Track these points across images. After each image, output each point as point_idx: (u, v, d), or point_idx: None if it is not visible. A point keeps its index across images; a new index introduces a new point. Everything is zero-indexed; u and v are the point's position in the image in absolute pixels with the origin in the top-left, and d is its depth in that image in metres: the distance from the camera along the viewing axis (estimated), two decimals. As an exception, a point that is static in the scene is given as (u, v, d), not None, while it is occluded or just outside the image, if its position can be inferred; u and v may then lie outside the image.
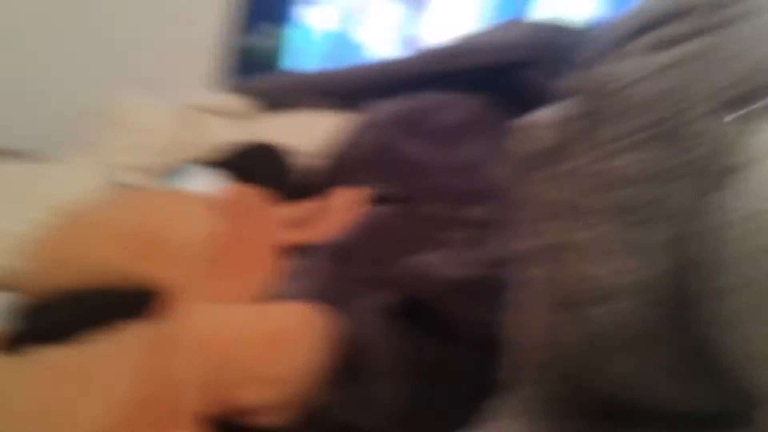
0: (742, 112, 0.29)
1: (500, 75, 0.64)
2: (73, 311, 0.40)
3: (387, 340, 0.42)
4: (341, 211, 0.53)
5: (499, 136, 0.61)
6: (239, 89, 0.75)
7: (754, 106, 0.30)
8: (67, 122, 0.90)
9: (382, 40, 1.35)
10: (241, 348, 0.39)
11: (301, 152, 0.65)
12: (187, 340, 0.39)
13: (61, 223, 0.46)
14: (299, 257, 0.52)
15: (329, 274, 0.49)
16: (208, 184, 0.54)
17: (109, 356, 0.38)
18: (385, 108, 0.63)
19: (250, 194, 0.54)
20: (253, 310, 0.42)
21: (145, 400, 0.36)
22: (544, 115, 0.38)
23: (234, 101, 0.71)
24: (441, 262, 0.49)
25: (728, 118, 0.30)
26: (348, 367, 0.42)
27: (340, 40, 1.36)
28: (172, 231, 0.45)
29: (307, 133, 0.66)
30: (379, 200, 0.56)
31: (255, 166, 0.59)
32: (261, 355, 0.38)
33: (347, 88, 0.74)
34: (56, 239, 0.45)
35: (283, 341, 0.39)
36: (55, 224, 0.46)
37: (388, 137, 0.59)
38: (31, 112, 1.03)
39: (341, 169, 0.60)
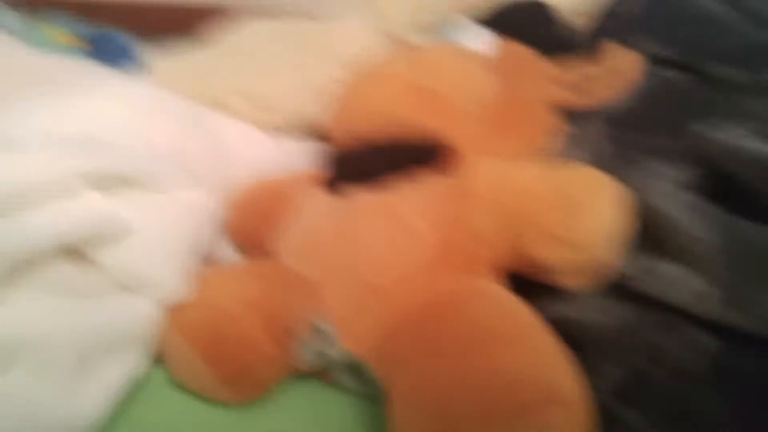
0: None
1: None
2: (375, 158, 0.42)
3: (693, 219, 0.38)
4: (620, 72, 0.49)
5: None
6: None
7: None
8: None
9: None
10: (534, 203, 0.38)
11: (566, 8, 0.60)
12: (482, 192, 0.39)
13: (356, 79, 0.48)
14: (575, 122, 0.50)
15: (611, 140, 0.46)
16: (481, 40, 0.53)
17: (415, 201, 0.39)
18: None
19: (523, 52, 0.52)
20: (538, 167, 0.41)
21: (449, 245, 0.38)
22: None
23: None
24: (750, 135, 0.43)
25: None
26: (647, 240, 0.39)
27: None
28: (459, 91, 0.45)
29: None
30: (661, 62, 0.50)
31: (524, 24, 0.57)
32: (555, 213, 0.37)
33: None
34: (353, 93, 0.47)
35: (577, 203, 0.37)
36: (350, 79, 0.48)
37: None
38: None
39: (615, 25, 0.54)
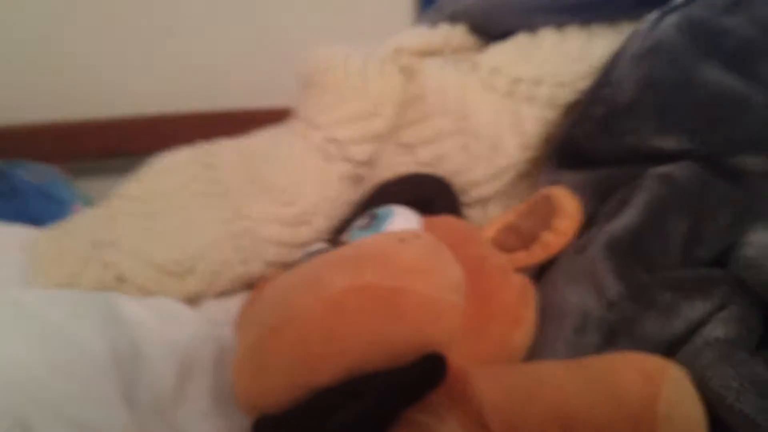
0: None
1: None
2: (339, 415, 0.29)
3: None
4: (561, 216, 0.41)
5: None
6: (453, 17, 0.59)
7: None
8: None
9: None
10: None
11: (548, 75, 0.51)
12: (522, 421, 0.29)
13: (277, 311, 0.33)
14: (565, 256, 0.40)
15: (619, 278, 0.36)
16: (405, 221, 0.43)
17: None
18: (669, 20, 0.45)
19: (454, 224, 0.44)
20: (569, 366, 0.31)
21: None
22: None
23: (457, 33, 0.57)
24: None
25: None
26: None
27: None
28: (434, 281, 0.33)
29: (558, 63, 0.51)
30: (665, 156, 0.40)
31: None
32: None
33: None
34: (271, 336, 0.32)
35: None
36: (267, 316, 0.33)
37: (684, 64, 0.42)
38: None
39: (603, 112, 0.45)
